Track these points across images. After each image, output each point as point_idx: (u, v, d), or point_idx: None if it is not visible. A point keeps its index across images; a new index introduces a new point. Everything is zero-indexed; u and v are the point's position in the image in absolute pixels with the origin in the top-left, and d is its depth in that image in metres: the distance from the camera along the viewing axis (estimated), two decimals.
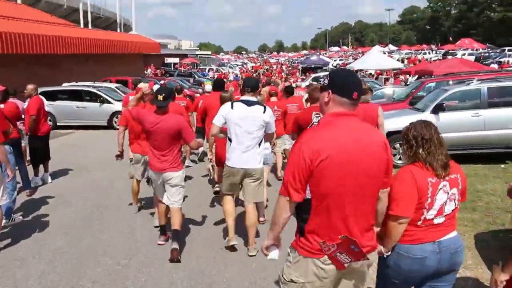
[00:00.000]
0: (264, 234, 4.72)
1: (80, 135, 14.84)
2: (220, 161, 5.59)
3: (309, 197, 2.29)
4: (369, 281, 2.60)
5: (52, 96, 15.19)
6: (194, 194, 7.27)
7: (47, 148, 8.44)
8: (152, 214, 6.20)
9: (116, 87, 18.11)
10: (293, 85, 14.48)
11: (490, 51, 47.31)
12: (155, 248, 5.25)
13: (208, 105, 7.03)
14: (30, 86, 8.02)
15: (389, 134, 9.01)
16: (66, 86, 17.23)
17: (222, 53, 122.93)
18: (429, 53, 53.55)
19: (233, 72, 43.65)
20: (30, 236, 5.66)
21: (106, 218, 6.42)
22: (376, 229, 2.59)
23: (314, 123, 4.70)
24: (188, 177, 7.66)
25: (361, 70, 25.34)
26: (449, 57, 38.32)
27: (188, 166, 9.15)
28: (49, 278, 4.54)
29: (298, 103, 9.10)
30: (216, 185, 6.72)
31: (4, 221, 5.50)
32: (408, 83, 19.79)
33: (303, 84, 21.04)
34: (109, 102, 15.79)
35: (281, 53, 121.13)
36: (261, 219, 5.75)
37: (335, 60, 51.30)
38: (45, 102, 8.60)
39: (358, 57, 53.30)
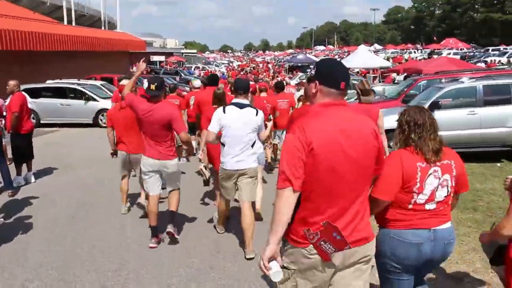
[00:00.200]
0: (260, 237, 4.46)
1: (64, 133, 14.41)
2: (212, 157, 5.51)
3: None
4: (368, 278, 2.47)
5: (35, 93, 14.75)
6: (187, 189, 6.95)
7: (30, 146, 8.05)
8: (143, 216, 5.93)
9: (101, 84, 17.67)
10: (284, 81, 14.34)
11: (475, 51, 47.85)
12: (146, 252, 4.97)
13: (201, 99, 6.99)
14: (12, 82, 7.64)
15: (386, 131, 8.90)
16: (50, 83, 16.76)
17: (207, 52, 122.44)
18: (414, 52, 53.89)
19: (219, 70, 43.33)
20: (12, 239, 5.33)
21: (93, 217, 6.14)
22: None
23: None
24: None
25: (348, 69, 25.23)
26: (435, 56, 38.57)
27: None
28: (32, 287, 4.24)
29: (289, 99, 9.12)
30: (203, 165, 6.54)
31: None
32: (396, 81, 19.76)
33: (292, 82, 20.92)
34: (94, 100, 15.44)
35: (267, 52, 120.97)
36: (257, 206, 5.67)
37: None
38: (28, 99, 8.19)
39: (344, 56, 53.57)
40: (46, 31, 19.89)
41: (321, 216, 2.25)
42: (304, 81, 15.80)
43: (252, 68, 43.48)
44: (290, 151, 2.24)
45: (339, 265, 2.31)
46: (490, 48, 48.00)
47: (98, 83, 18.02)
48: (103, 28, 38.08)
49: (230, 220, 5.72)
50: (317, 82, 2.34)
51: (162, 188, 5.37)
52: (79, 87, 15.89)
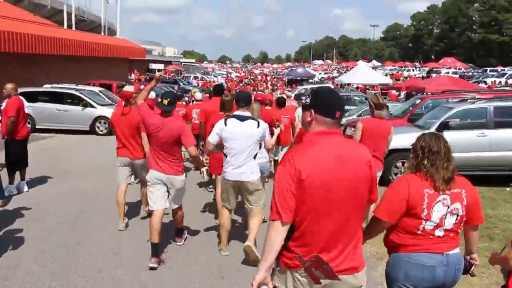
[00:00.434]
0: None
1: (61, 139, 14.04)
2: (217, 164, 5.48)
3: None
4: None
5: (31, 97, 14.36)
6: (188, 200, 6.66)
7: (25, 153, 7.68)
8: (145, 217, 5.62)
9: (99, 91, 17.38)
10: (283, 95, 14.22)
11: (473, 71, 48.12)
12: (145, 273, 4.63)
13: (207, 110, 6.98)
14: (9, 85, 7.33)
15: (392, 151, 8.65)
16: (47, 87, 16.42)
17: (206, 62, 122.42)
18: (413, 70, 54.13)
19: (217, 81, 43.15)
20: (1, 256, 4.95)
21: (89, 233, 5.76)
22: None
23: None
24: None
25: (348, 84, 25.19)
26: (433, 75, 38.70)
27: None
28: None
29: (289, 115, 9.06)
30: (210, 186, 6.78)
31: None
32: (397, 99, 19.61)
33: (293, 95, 20.72)
34: (92, 106, 15.10)
35: (265, 64, 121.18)
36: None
37: (319, 73, 51.34)
38: (26, 103, 7.85)
39: (342, 71, 53.67)
40: (46, 34, 19.59)
41: (314, 244, 2.27)
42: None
43: (251, 80, 43.30)
44: (280, 183, 2.25)
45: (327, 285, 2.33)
46: (488, 68, 48.34)
47: (97, 89, 17.71)
48: (102, 33, 37.89)
49: (235, 240, 5.41)
50: (312, 110, 2.34)
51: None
52: (77, 93, 15.53)
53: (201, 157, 8.09)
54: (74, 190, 7.89)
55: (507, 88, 20.31)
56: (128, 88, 6.00)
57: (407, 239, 2.71)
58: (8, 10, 22.23)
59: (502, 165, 8.47)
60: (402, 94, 21.08)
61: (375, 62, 68.83)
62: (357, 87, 26.49)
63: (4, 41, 16.05)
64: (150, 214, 5.22)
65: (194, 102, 9.50)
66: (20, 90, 12.90)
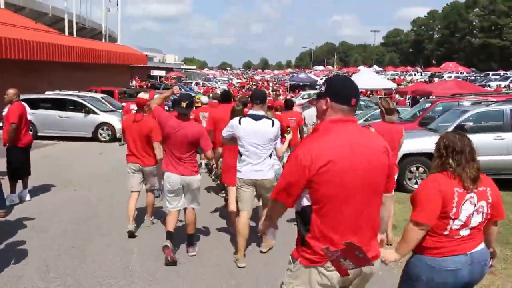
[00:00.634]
0: None
1: (63, 146, 13.79)
2: (229, 172, 5.42)
3: (309, 204, 2.25)
4: None
5: (33, 104, 14.05)
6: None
7: (27, 161, 7.39)
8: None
9: (102, 97, 17.17)
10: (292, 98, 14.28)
11: (475, 75, 47.99)
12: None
13: (215, 117, 7.00)
14: (11, 91, 7.07)
15: (406, 156, 8.39)
16: (49, 94, 16.21)
17: (206, 68, 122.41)
18: (415, 74, 53.98)
19: (219, 87, 43.03)
20: (3, 270, 4.64)
21: (94, 242, 5.48)
22: (382, 236, 2.58)
23: None
24: None
25: None
26: (436, 79, 38.57)
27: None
28: None
29: (296, 117, 9.15)
30: (223, 191, 6.93)
31: None
32: (396, 103, 19.30)
33: (296, 101, 20.51)
34: (94, 113, 14.87)
35: (266, 70, 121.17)
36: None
37: (321, 79, 51.24)
38: (28, 110, 7.58)
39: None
40: (48, 40, 19.41)
41: (334, 235, 2.23)
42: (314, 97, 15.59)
43: (253, 85, 43.13)
44: (292, 170, 2.25)
45: (352, 279, 2.31)
46: (490, 73, 48.26)
47: (99, 95, 17.50)
48: (103, 41, 37.79)
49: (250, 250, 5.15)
50: (328, 98, 2.31)
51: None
52: (79, 99, 15.31)
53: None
54: (77, 199, 7.61)
55: None
56: (143, 95, 5.94)
57: (433, 241, 2.70)
58: (10, 17, 22.08)
59: None
60: (402, 98, 20.89)
61: (376, 68, 68.64)
62: (360, 92, 26.30)
63: (5, 48, 15.86)
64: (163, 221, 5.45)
65: (202, 106, 9.44)
66: (22, 97, 12.69)
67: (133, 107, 7.94)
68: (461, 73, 50.06)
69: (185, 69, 71.03)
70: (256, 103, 4.79)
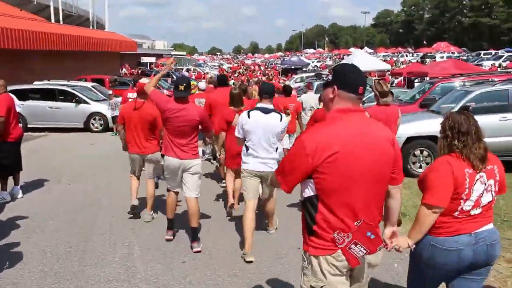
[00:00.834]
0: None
1: (54, 138, 13.42)
2: (232, 158, 5.71)
3: (315, 194, 2.23)
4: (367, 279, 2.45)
5: (22, 95, 13.64)
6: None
7: (18, 156, 7.01)
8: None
9: (92, 86, 16.75)
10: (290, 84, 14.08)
11: (467, 55, 47.87)
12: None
13: (213, 101, 7.11)
14: None
15: (410, 139, 8.17)
16: (37, 84, 15.72)
17: (196, 54, 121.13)
18: (406, 55, 53.71)
19: (210, 73, 42.51)
20: None
21: (95, 245, 5.16)
22: (394, 228, 2.56)
23: None
24: None
25: None
26: (428, 60, 38.37)
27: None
28: None
29: (295, 104, 9.19)
30: (223, 181, 6.94)
31: None
32: (394, 84, 19.06)
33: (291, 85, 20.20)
34: (85, 102, 14.50)
35: (256, 54, 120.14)
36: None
37: (312, 62, 50.82)
38: (17, 101, 7.20)
39: (337, 59, 53.03)
40: (33, 28, 18.78)
41: (341, 224, 2.21)
42: (312, 82, 15.33)
43: (244, 70, 42.64)
44: (296, 155, 2.24)
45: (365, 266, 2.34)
46: (482, 52, 48.18)
47: (89, 84, 17.07)
48: (91, 28, 36.98)
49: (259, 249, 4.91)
50: (335, 87, 2.30)
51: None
52: (69, 89, 14.89)
53: (207, 148, 8.80)
54: (71, 193, 7.30)
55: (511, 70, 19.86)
56: (144, 80, 5.81)
57: (439, 221, 2.68)
58: None
59: None
60: (399, 80, 20.67)
61: (367, 49, 68.26)
62: None
63: None
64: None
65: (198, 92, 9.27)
66: (8, 88, 12.23)
67: (131, 95, 7.69)
68: (452, 53, 49.91)
69: (175, 55, 70.17)
70: (265, 97, 4.76)
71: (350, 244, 2.19)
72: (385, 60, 42.74)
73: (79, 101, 14.45)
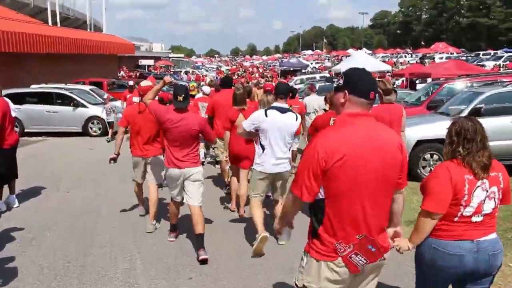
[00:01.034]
0: None
1: (51, 143, 13.13)
2: (235, 158, 5.82)
3: (323, 197, 2.24)
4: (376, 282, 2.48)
5: (18, 99, 13.38)
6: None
7: (13, 164, 6.69)
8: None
9: (90, 89, 16.47)
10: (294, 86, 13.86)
11: (466, 55, 47.71)
12: None
13: (216, 102, 7.07)
14: None
15: (419, 143, 7.91)
16: (34, 88, 15.44)
17: (194, 56, 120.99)
18: (405, 56, 53.55)
19: (209, 75, 42.34)
20: None
21: (95, 259, 4.87)
22: (397, 229, 2.60)
23: None
24: None
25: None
26: (427, 60, 38.19)
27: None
28: None
29: (299, 106, 8.96)
30: (227, 187, 6.98)
31: None
32: (395, 86, 18.81)
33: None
34: (83, 106, 14.23)
35: (254, 56, 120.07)
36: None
37: (311, 63, 50.62)
38: (12, 106, 6.91)
39: (335, 60, 52.79)
40: (31, 31, 18.50)
41: (347, 228, 2.23)
42: (314, 84, 15.11)
43: (243, 72, 42.43)
44: (309, 162, 2.23)
45: (363, 274, 2.33)
46: (481, 52, 48.05)
47: (87, 87, 16.79)
48: (89, 31, 36.72)
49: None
50: (346, 91, 2.30)
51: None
52: (67, 92, 14.61)
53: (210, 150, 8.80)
54: (70, 202, 7.01)
55: None
56: (146, 83, 5.84)
57: (440, 225, 2.69)
58: None
59: None
60: (399, 81, 20.49)
61: (366, 50, 68.16)
62: None
63: None
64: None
65: (199, 95, 9.08)
66: (5, 92, 11.95)
67: (136, 99, 7.49)
68: (451, 53, 49.76)
69: (173, 57, 70.13)
70: (281, 98, 4.81)
71: (351, 254, 2.21)
72: (384, 61, 42.71)
73: (77, 104, 14.18)
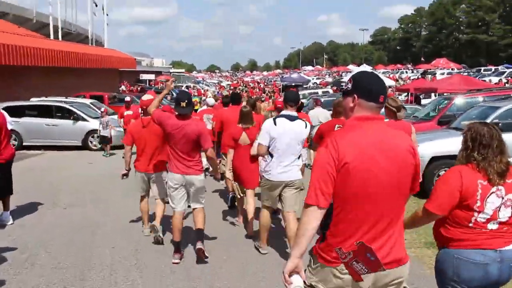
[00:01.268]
0: None
1: (50, 156, 12.83)
2: (240, 178, 5.84)
3: (331, 202, 2.17)
4: None
5: (18, 112, 13.23)
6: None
7: (8, 179, 6.35)
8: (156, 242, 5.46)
9: (91, 103, 16.26)
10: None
11: (467, 71, 47.75)
12: None
13: (225, 118, 7.07)
14: None
15: (433, 159, 7.61)
16: (34, 101, 15.22)
17: (195, 71, 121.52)
18: (406, 72, 53.63)
19: (210, 90, 42.34)
20: None
21: (94, 282, 4.51)
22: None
23: None
24: None
25: None
26: (429, 76, 38.17)
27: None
28: None
29: (305, 118, 8.67)
30: (230, 197, 6.99)
31: None
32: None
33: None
34: (83, 120, 13.96)
35: (255, 71, 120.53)
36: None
37: (312, 79, 50.68)
38: (8, 118, 6.61)
39: (336, 76, 52.80)
40: (33, 45, 18.36)
41: (354, 235, 2.16)
42: (320, 98, 14.96)
43: (244, 87, 42.38)
44: (320, 167, 2.17)
45: (370, 286, 2.20)
46: (482, 68, 48.12)
47: (88, 101, 16.59)
48: (90, 45, 36.73)
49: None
50: (355, 95, 2.24)
51: (188, 206, 5.16)
52: (67, 106, 14.39)
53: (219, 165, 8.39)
54: (68, 220, 6.64)
55: None
56: (147, 97, 5.84)
57: (458, 233, 2.62)
58: None
59: None
60: (402, 96, 20.33)
61: (366, 66, 68.39)
62: None
63: None
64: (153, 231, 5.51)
65: (204, 108, 8.94)
66: (4, 104, 11.68)
67: (129, 113, 7.26)
68: (452, 69, 49.79)
69: (173, 72, 70.26)
70: (290, 106, 4.76)
71: (352, 261, 2.17)
72: (387, 77, 42.68)
73: (77, 118, 13.93)
